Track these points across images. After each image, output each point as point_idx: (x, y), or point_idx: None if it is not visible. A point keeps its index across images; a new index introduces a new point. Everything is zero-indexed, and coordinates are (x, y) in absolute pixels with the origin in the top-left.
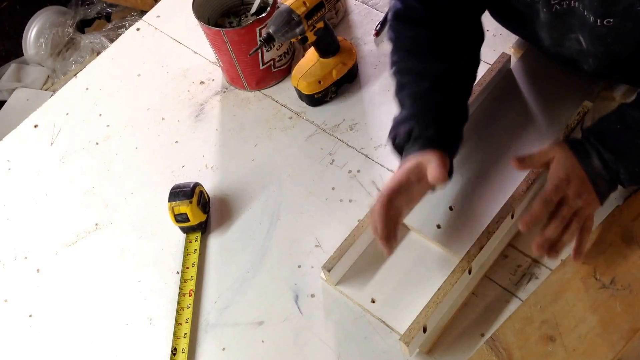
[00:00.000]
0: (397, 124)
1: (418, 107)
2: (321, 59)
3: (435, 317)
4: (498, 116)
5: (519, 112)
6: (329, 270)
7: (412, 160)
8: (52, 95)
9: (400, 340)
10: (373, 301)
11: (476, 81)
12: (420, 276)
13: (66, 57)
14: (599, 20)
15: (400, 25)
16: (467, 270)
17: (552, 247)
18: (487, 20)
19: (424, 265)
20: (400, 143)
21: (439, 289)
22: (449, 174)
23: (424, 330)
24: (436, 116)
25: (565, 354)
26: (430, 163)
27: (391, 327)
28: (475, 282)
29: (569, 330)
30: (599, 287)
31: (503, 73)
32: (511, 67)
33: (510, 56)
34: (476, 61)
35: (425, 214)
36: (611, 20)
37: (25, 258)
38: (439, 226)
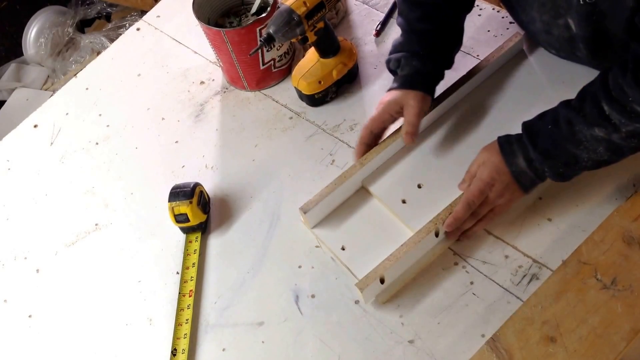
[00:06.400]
0: (392, 49)
1: (406, 36)
2: (321, 59)
3: (394, 271)
4: (495, 104)
5: (515, 102)
6: (305, 212)
7: (394, 97)
8: (52, 95)
9: (355, 286)
10: (343, 248)
11: (484, 57)
12: (390, 233)
13: (66, 57)
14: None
15: None
16: (433, 232)
17: (464, 234)
18: (489, 21)
19: (386, 230)
20: (393, 68)
21: (402, 245)
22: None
23: (382, 281)
24: (420, 48)
25: (566, 354)
26: (407, 109)
27: (355, 275)
28: (442, 248)
29: (569, 331)
30: (600, 288)
31: (514, 52)
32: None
33: (522, 36)
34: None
35: (392, 187)
36: None
37: (25, 258)
38: (404, 201)
